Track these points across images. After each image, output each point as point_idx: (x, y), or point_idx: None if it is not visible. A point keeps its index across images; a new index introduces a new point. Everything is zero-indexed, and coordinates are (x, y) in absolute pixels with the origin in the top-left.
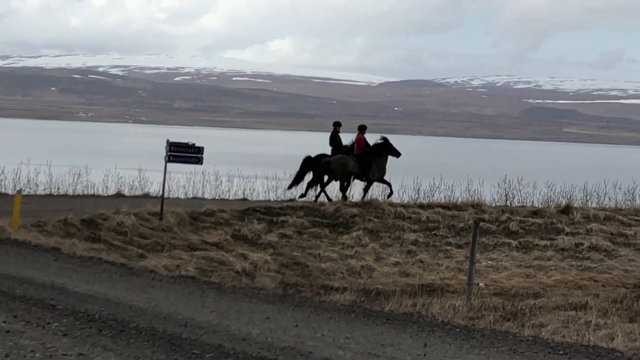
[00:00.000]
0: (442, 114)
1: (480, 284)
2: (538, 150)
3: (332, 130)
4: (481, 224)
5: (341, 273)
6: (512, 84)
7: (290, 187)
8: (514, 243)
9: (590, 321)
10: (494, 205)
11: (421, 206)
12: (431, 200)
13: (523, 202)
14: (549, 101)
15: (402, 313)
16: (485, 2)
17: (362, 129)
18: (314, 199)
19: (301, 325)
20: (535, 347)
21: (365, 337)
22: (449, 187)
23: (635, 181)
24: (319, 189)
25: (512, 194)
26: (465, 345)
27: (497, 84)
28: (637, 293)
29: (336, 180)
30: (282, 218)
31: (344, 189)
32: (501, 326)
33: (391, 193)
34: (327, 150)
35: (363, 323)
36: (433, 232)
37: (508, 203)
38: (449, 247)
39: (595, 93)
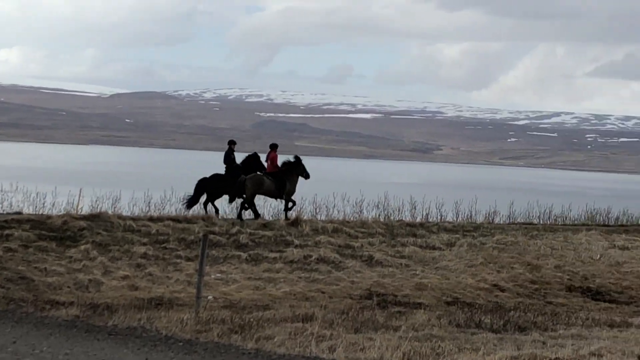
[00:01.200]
0: (175, 126)
1: (209, 297)
2: None
3: (226, 148)
4: (211, 236)
5: (68, 287)
6: (244, 97)
7: (188, 207)
8: (244, 255)
9: (316, 332)
10: (224, 218)
11: (151, 219)
12: (162, 213)
13: None
14: (280, 115)
15: (126, 327)
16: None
17: (273, 147)
18: (236, 217)
19: (20, 342)
20: None
21: (86, 353)
22: (180, 200)
23: (363, 194)
24: (212, 205)
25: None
26: (187, 359)
27: (230, 97)
28: (363, 304)
29: (247, 198)
30: (7, 231)
31: (252, 207)
32: (228, 339)
33: (290, 208)
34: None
35: (84, 338)
36: (163, 245)
37: None
38: (178, 260)
39: (326, 107)
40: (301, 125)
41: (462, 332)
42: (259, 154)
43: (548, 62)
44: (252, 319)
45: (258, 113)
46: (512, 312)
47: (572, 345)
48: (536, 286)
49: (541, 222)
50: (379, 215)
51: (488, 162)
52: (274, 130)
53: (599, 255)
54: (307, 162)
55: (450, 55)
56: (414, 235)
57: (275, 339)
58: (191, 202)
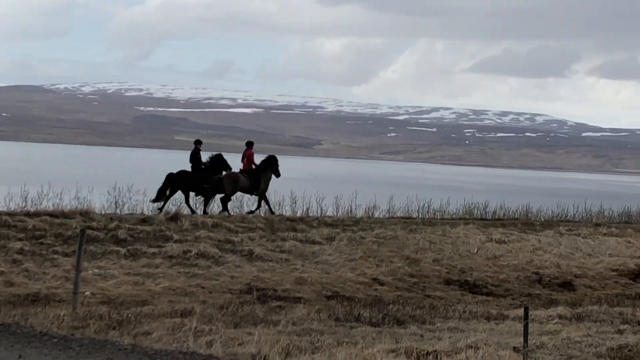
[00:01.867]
0: (53, 120)
1: (87, 293)
2: (149, 157)
3: (193, 148)
4: (89, 232)
5: None
6: (123, 91)
7: (155, 201)
8: (123, 251)
9: (195, 328)
10: (103, 213)
11: (28, 214)
12: (39, 208)
13: (133, 210)
14: (160, 109)
15: (0, 324)
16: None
17: (249, 145)
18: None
19: None
20: (134, 356)
21: None
22: (57, 195)
23: None
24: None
25: (122, 201)
26: (62, 355)
27: (109, 91)
28: (242, 299)
29: (225, 195)
30: None
31: (225, 205)
32: (105, 335)
33: (258, 208)
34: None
35: None
36: (40, 241)
37: (118, 211)
38: (56, 256)
39: (206, 102)
40: (181, 119)
41: (342, 326)
42: (223, 155)
43: (427, 58)
44: (130, 315)
45: (138, 107)
46: (390, 305)
47: (450, 338)
48: (415, 280)
49: (420, 216)
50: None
51: (368, 157)
52: (154, 125)
53: (476, 249)
54: (186, 157)
55: (331, 50)
56: (294, 230)
57: (153, 335)
58: (158, 195)
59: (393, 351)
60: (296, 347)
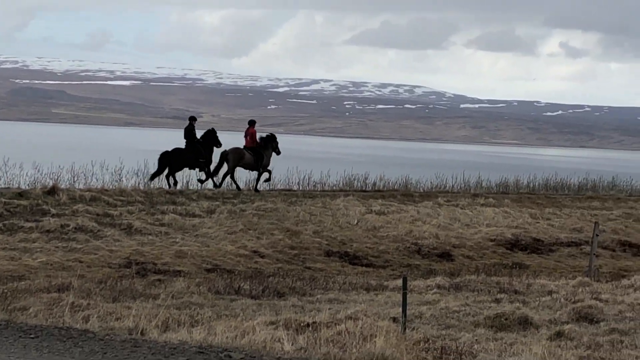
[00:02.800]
0: None
1: None
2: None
3: (187, 124)
4: None
5: None
6: None
7: (152, 178)
8: None
9: (72, 303)
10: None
11: None
12: None
13: (9, 184)
14: (36, 81)
15: None
16: None
17: (252, 123)
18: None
19: None
20: (7, 331)
21: None
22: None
23: (123, 162)
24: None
25: None
26: None
27: None
28: (121, 273)
29: (228, 168)
30: None
31: (232, 177)
32: None
33: (257, 182)
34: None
35: None
36: None
37: None
38: None
39: (84, 74)
40: (58, 92)
41: (222, 299)
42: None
43: (307, 30)
44: (6, 290)
45: (13, 80)
46: (271, 278)
47: (329, 309)
48: (295, 252)
49: (300, 188)
50: (139, 183)
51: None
52: (31, 98)
53: (356, 221)
54: (64, 130)
55: (211, 22)
56: (174, 203)
57: (30, 310)
58: (155, 174)
59: (272, 323)
60: (175, 321)
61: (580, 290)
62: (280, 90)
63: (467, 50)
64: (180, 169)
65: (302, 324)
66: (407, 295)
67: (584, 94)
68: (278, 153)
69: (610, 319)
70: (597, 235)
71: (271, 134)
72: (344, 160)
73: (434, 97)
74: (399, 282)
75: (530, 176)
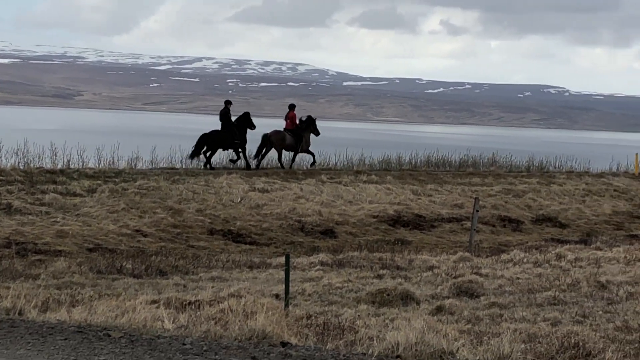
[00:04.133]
0: None
1: None
2: None
3: (222, 107)
4: None
5: None
6: None
7: (191, 157)
8: None
9: None
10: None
11: None
12: None
13: None
14: None
15: None
16: None
17: (292, 107)
18: (254, 166)
19: None
20: None
21: None
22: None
23: (1, 141)
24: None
25: None
26: None
27: None
28: (1, 253)
29: (277, 152)
30: None
31: (279, 159)
32: None
33: (314, 162)
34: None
35: None
36: None
37: None
38: None
39: None
40: None
41: (104, 279)
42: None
43: (189, 7)
44: None
45: None
46: (153, 257)
47: (213, 287)
48: (178, 230)
49: (183, 166)
50: (18, 162)
51: (130, 108)
52: None
53: (239, 199)
54: None
55: None
56: (55, 182)
57: None
58: (194, 153)
59: (154, 302)
60: (55, 301)
61: (461, 265)
62: (163, 68)
63: (349, 28)
64: (217, 149)
65: (184, 303)
66: (290, 273)
67: (464, 71)
68: (317, 134)
69: (490, 293)
70: (477, 210)
71: (309, 116)
72: None
73: (317, 75)
74: (282, 259)
75: (412, 153)
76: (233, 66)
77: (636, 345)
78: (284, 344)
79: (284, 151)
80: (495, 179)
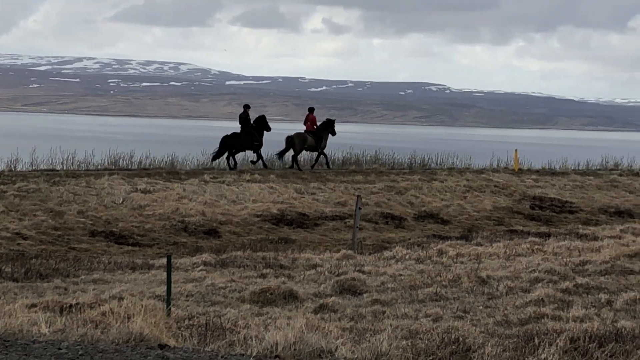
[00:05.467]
0: None
1: None
2: None
3: (242, 111)
4: None
5: None
6: None
7: (213, 159)
8: None
9: None
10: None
11: None
12: None
13: None
14: None
15: None
16: None
17: (311, 110)
18: (290, 166)
19: None
20: None
21: None
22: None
23: None
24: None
25: None
26: None
27: None
28: None
29: (295, 152)
30: None
31: (295, 158)
32: None
33: (328, 163)
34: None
35: None
36: None
37: None
38: None
39: None
40: None
41: None
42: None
43: (69, 7)
44: None
45: None
46: (34, 260)
47: (94, 289)
48: (59, 233)
49: (64, 168)
50: None
51: (10, 109)
52: None
53: (121, 200)
54: None
55: None
56: None
57: None
58: (217, 155)
59: (34, 306)
60: None
61: (344, 263)
62: (42, 68)
63: (232, 27)
64: (238, 151)
65: (64, 306)
66: (173, 273)
67: (347, 70)
68: (334, 134)
69: (372, 290)
70: (359, 208)
71: (329, 119)
72: (109, 139)
73: (200, 74)
74: (165, 260)
75: None
76: (114, 66)
77: (515, 339)
78: (161, 346)
79: (291, 152)
80: (378, 177)
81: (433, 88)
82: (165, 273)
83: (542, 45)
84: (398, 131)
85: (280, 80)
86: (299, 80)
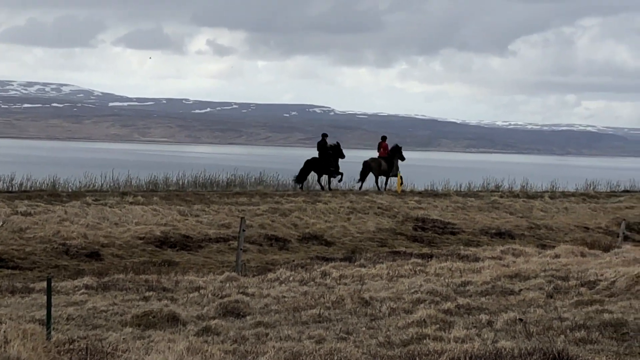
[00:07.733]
0: None
1: None
2: None
3: (320, 139)
4: None
5: None
6: None
7: (297, 182)
8: None
9: None
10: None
11: None
12: None
13: None
14: None
15: None
16: None
17: (384, 138)
18: (359, 187)
19: None
20: None
21: None
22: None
23: None
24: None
25: None
26: None
27: None
28: None
29: (375, 176)
30: None
31: (377, 183)
32: None
33: (402, 183)
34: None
35: None
36: None
37: None
38: None
39: None
40: None
41: None
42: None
43: None
44: None
45: None
46: None
47: None
48: None
49: None
50: None
51: None
52: None
53: (1, 223)
54: None
55: None
56: None
57: None
58: (300, 178)
59: None
60: None
61: (227, 285)
62: None
63: (115, 48)
64: (319, 174)
65: None
66: (54, 297)
67: (232, 91)
68: (403, 159)
69: (256, 313)
70: (243, 230)
71: (397, 145)
72: None
73: (82, 95)
74: (45, 283)
75: (179, 174)
76: None
77: None
78: None
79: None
80: (262, 198)
81: (317, 110)
82: (45, 296)
83: (424, 68)
84: (283, 153)
85: (164, 102)
86: (183, 101)
